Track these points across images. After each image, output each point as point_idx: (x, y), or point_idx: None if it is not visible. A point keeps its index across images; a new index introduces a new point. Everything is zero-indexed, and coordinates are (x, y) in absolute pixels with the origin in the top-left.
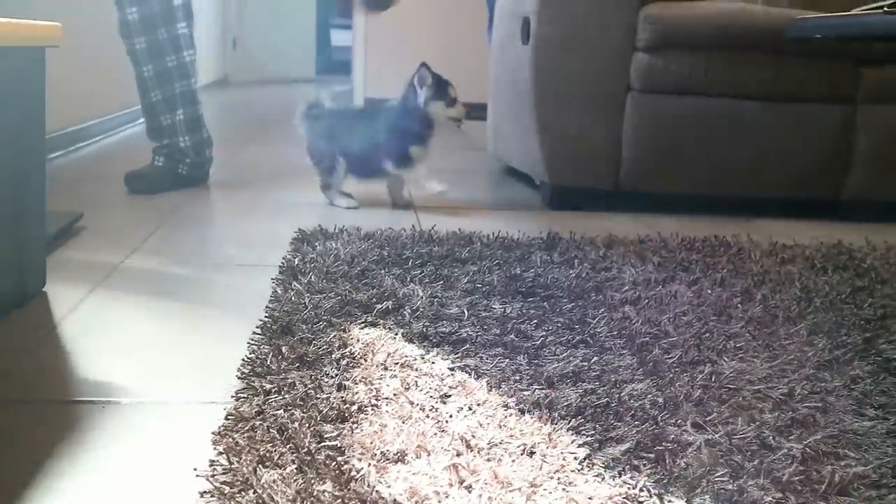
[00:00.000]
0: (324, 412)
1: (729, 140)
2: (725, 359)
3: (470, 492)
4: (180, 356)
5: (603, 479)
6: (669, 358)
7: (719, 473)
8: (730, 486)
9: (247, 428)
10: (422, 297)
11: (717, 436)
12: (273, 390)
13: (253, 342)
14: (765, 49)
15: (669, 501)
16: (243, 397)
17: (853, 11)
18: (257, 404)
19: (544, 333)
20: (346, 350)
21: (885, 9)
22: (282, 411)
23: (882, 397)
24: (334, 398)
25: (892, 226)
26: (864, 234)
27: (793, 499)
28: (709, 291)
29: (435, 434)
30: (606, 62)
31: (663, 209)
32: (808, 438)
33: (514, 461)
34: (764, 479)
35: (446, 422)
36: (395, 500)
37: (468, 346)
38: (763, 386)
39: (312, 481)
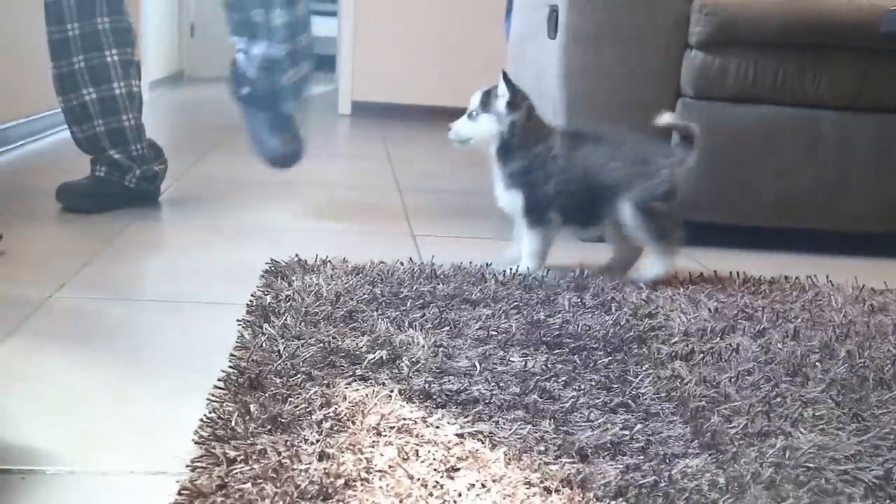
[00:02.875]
0: (302, 487)
1: (803, 160)
2: (802, 430)
3: None
4: (122, 416)
5: None
6: (731, 427)
7: None
8: None
9: None
10: (423, 347)
11: None
12: (239, 459)
13: (214, 399)
14: (850, 47)
15: None
16: (201, 467)
17: None
18: (218, 476)
19: (575, 394)
20: (330, 410)
21: None
22: (249, 485)
23: None
24: (315, 470)
25: None
26: None
27: None
28: (779, 346)
29: None
30: (652, 61)
31: (721, 243)
32: None
33: None
34: None
35: (454, 502)
36: None
37: (481, 407)
38: (851, 466)
39: None
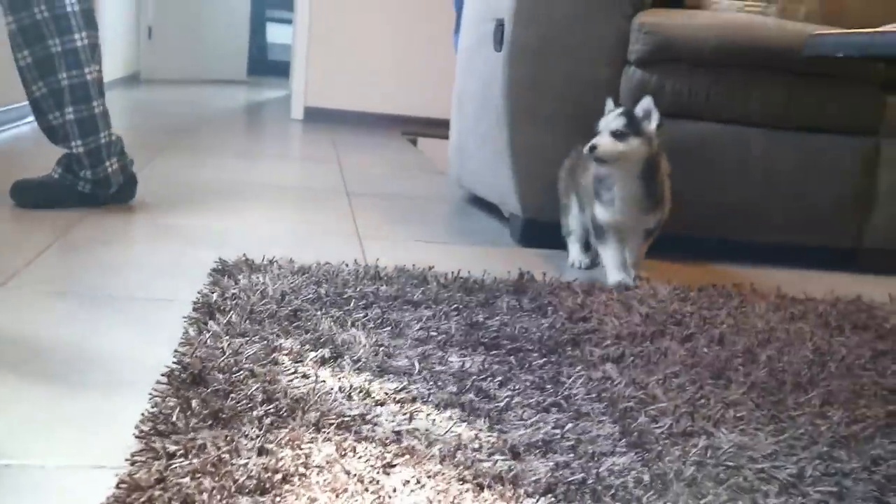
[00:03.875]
0: (240, 481)
1: (732, 174)
2: (724, 430)
3: None
4: (62, 410)
5: None
6: (657, 427)
7: None
8: None
9: (143, 499)
10: (365, 346)
11: None
12: (178, 453)
13: (156, 394)
14: (777, 69)
15: None
16: (140, 461)
17: (882, 28)
18: (157, 470)
19: (510, 393)
20: (271, 406)
21: None
22: (188, 479)
23: None
24: (254, 465)
25: None
26: (888, 288)
27: None
28: (705, 350)
29: None
30: (592, 76)
31: (653, 253)
32: None
33: None
34: None
35: (389, 497)
36: None
37: (418, 405)
38: (768, 464)
39: None
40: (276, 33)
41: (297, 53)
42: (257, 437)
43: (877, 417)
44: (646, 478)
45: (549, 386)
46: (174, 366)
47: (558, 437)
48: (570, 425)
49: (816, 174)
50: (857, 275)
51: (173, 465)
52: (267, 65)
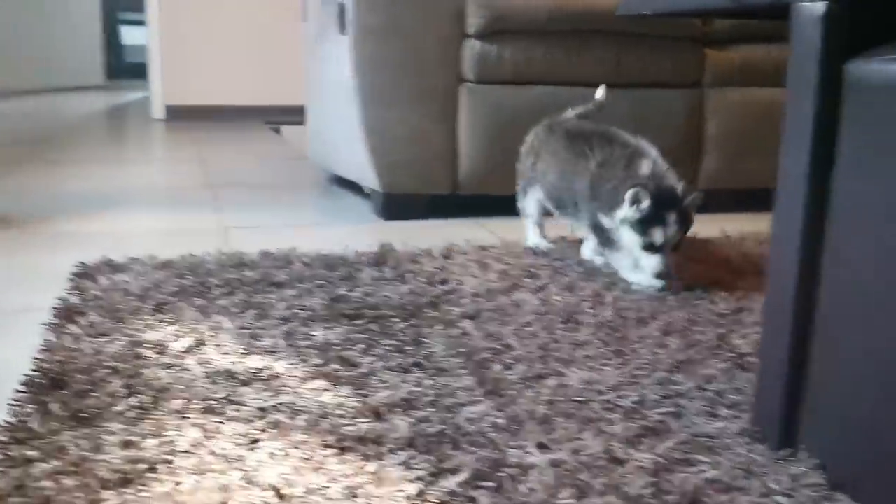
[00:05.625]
0: (103, 477)
1: None
2: (574, 369)
3: None
4: None
5: None
6: (512, 374)
7: (564, 495)
8: None
9: None
10: (229, 330)
11: (562, 454)
12: (37, 458)
13: (15, 403)
14: (607, 32)
15: None
16: None
17: None
18: (15, 477)
19: (372, 359)
20: (135, 400)
21: None
22: (49, 482)
23: (735, 395)
24: (117, 458)
25: (745, 215)
26: (720, 224)
27: None
28: (557, 298)
29: (241, 487)
30: (435, 51)
31: (509, 213)
32: (659, 447)
33: None
34: (612, 496)
35: (255, 471)
36: None
37: (283, 380)
38: (613, 395)
39: None
40: (131, 35)
41: (153, 53)
42: (121, 431)
43: (709, 341)
44: (501, 422)
45: (409, 348)
46: (33, 373)
47: (419, 394)
48: (429, 382)
49: (650, 127)
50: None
51: (32, 471)
52: (125, 67)
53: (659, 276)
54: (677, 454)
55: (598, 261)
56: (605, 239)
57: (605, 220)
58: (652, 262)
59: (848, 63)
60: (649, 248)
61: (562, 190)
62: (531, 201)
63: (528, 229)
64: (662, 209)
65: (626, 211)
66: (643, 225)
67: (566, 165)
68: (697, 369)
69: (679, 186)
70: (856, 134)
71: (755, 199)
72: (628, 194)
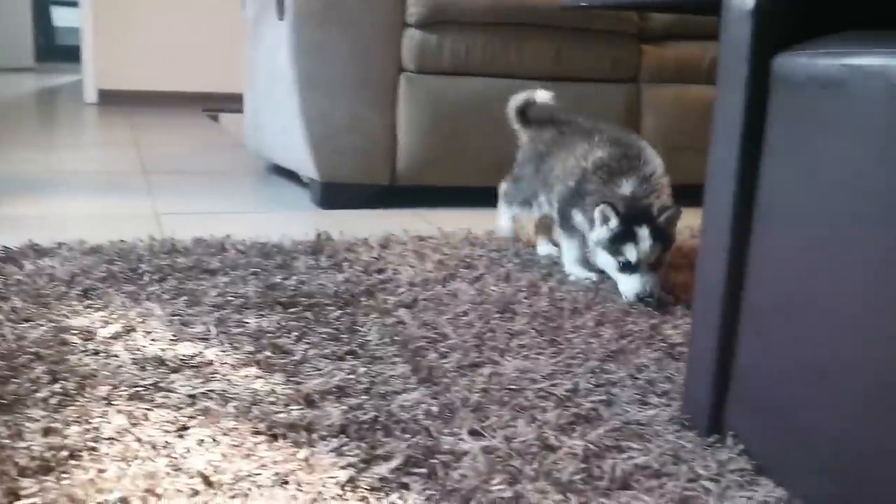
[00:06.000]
0: (21, 464)
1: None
2: (508, 358)
3: None
4: None
5: (368, 502)
6: (447, 362)
7: (496, 481)
8: (507, 494)
9: None
10: (160, 317)
11: (495, 441)
12: None
13: None
14: (547, 26)
15: None
16: None
17: None
18: None
19: (306, 347)
20: (58, 386)
21: None
22: None
23: (666, 384)
24: (38, 445)
25: None
26: None
27: (574, 499)
28: (493, 288)
29: (168, 474)
30: (374, 39)
31: (446, 204)
32: (590, 434)
33: (263, 494)
34: (544, 482)
35: (183, 458)
36: None
37: (215, 367)
38: (547, 384)
39: None
40: (62, 16)
41: (85, 35)
42: (42, 418)
43: (642, 331)
44: (435, 409)
45: (344, 336)
46: None
47: (353, 382)
48: (363, 370)
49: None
50: None
51: None
52: (56, 50)
53: (640, 298)
54: (608, 441)
55: (512, 232)
56: (567, 225)
57: (577, 216)
58: (630, 283)
59: (776, 57)
60: (625, 267)
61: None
62: (519, 192)
63: (504, 213)
64: (633, 225)
65: (597, 231)
66: (614, 243)
67: (555, 155)
68: (630, 359)
69: (657, 203)
70: (783, 127)
71: (690, 194)
72: (596, 212)
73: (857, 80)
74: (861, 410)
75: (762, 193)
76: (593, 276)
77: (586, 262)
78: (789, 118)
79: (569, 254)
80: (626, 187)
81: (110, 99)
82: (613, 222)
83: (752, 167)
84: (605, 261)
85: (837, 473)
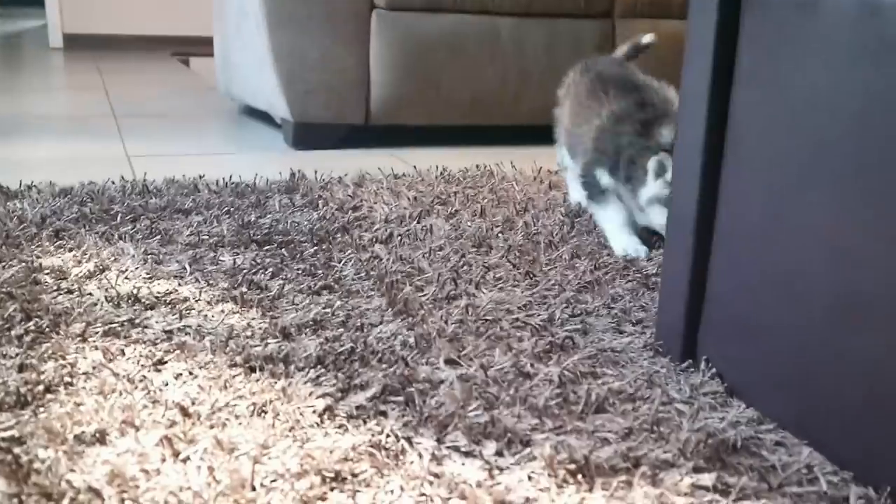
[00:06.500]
0: None
1: (486, 63)
2: (484, 291)
3: (186, 464)
4: None
5: (346, 430)
6: (423, 295)
7: (472, 407)
8: (483, 419)
9: None
10: (133, 256)
11: (471, 370)
12: None
13: None
14: None
15: (419, 443)
16: None
17: None
18: None
19: (282, 282)
20: (31, 324)
21: None
22: None
23: (640, 313)
24: (13, 381)
25: None
26: None
27: (549, 423)
28: (468, 223)
29: (145, 407)
30: None
31: (420, 142)
32: (566, 361)
33: (241, 424)
34: (520, 407)
35: (160, 391)
36: (90, 487)
37: (190, 304)
38: (522, 314)
39: None
40: None
41: None
42: (17, 355)
43: (617, 263)
44: (411, 340)
45: (320, 271)
46: None
47: (329, 315)
48: (339, 304)
49: (562, 58)
50: None
51: None
52: None
53: None
54: (583, 368)
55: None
56: (596, 193)
57: (604, 178)
58: None
59: None
60: None
61: (572, 137)
62: (565, 155)
63: (569, 183)
64: None
65: (652, 187)
66: None
67: (581, 111)
68: (605, 289)
69: None
70: (754, 49)
71: None
72: (650, 165)
73: None
74: (822, 323)
75: (733, 118)
76: (645, 249)
77: (633, 228)
78: (761, 40)
79: (611, 225)
80: (668, 136)
81: (76, 43)
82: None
83: (724, 91)
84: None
85: (800, 388)
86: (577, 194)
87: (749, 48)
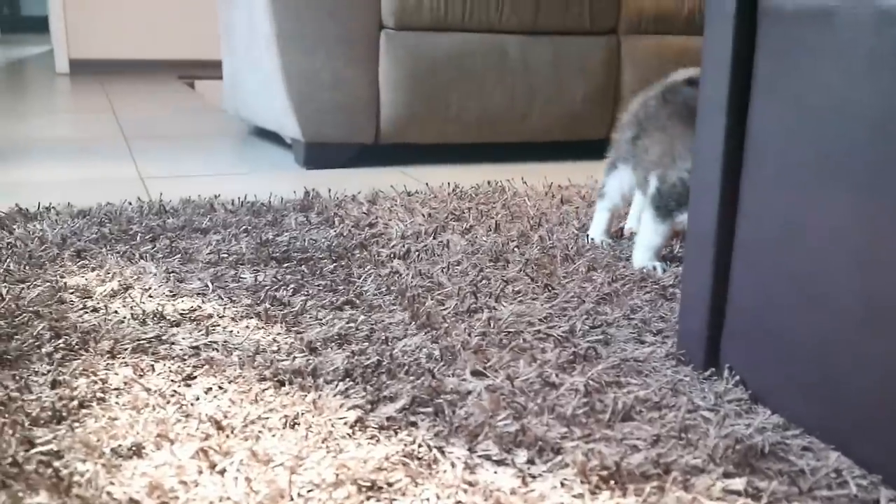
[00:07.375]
0: (33, 414)
1: (494, 81)
2: (504, 304)
3: (224, 475)
4: None
5: (378, 440)
6: (444, 309)
7: (501, 417)
8: (513, 428)
9: None
10: (155, 274)
11: (498, 380)
12: None
13: None
14: None
15: (451, 452)
16: None
17: None
18: None
19: (304, 298)
20: (61, 341)
21: None
22: None
23: (660, 323)
24: (47, 397)
25: None
26: None
27: (578, 431)
28: (484, 238)
29: (178, 420)
30: None
31: (432, 160)
32: (590, 371)
33: (274, 436)
34: (548, 416)
35: (192, 405)
36: (131, 498)
37: (215, 320)
38: (544, 326)
39: (21, 494)
40: None
41: (53, 4)
42: (49, 371)
43: (633, 275)
44: (436, 353)
45: (341, 287)
46: None
47: (353, 329)
48: (362, 318)
49: (569, 74)
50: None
51: None
52: (22, 21)
53: None
54: (608, 377)
55: (605, 243)
56: (666, 214)
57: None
58: None
59: None
60: None
61: (661, 168)
62: (614, 182)
63: (596, 215)
64: None
65: None
66: None
67: (678, 144)
68: (623, 300)
69: None
70: (771, 59)
71: None
72: None
73: (847, 7)
74: (845, 328)
75: (752, 127)
76: (662, 264)
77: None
78: (778, 49)
79: (654, 241)
80: None
81: (83, 68)
82: None
83: (742, 101)
84: None
85: (825, 393)
86: (635, 222)
87: (766, 59)
